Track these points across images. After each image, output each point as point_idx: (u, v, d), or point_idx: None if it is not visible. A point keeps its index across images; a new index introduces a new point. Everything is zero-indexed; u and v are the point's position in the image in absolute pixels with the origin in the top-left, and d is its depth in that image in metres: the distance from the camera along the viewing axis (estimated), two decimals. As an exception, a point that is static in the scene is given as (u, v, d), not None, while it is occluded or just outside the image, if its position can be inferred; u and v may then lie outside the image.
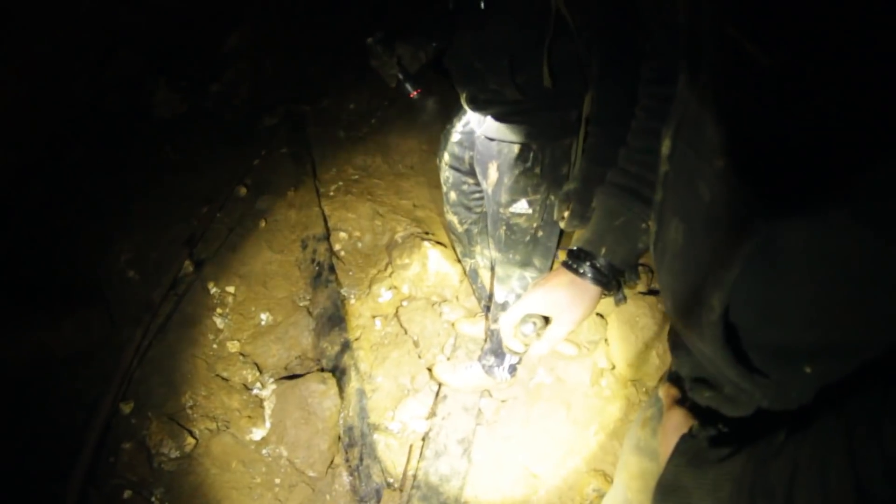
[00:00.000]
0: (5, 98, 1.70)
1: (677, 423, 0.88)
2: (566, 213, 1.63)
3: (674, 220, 0.83)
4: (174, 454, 2.18)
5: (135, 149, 2.16)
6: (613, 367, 2.50)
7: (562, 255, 1.15)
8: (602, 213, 1.10)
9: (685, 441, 0.82)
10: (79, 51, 1.87)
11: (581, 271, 1.07)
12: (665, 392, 0.96)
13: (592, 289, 1.07)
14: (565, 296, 1.07)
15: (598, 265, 1.07)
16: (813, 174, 0.56)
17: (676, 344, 0.99)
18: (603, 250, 1.08)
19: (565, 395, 2.52)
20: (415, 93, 1.84)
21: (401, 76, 1.83)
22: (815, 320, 0.64)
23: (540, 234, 2.05)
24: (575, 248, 1.10)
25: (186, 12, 2.32)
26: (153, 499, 2.13)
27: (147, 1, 2.09)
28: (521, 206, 1.96)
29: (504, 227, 2.04)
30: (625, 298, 1.18)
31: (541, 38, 1.60)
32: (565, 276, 1.08)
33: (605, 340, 2.55)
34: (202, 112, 2.34)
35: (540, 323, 1.06)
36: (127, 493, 2.11)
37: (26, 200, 1.97)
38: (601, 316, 2.63)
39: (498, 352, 2.39)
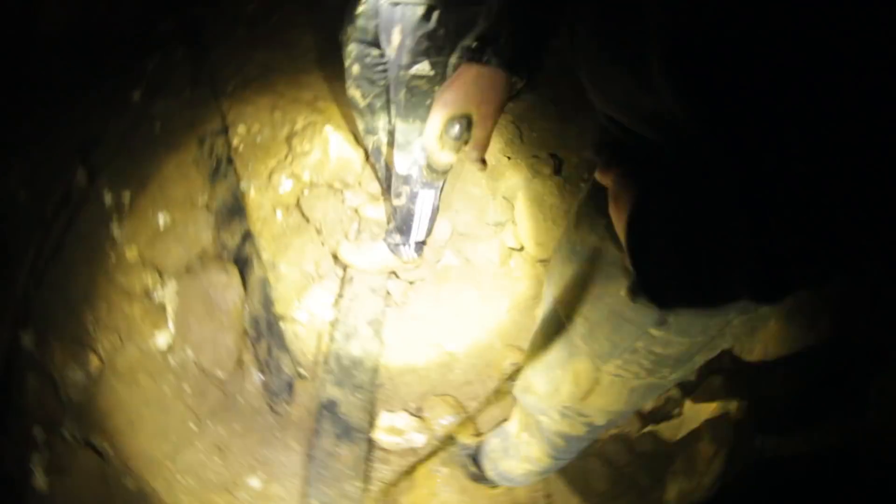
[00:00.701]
0: None
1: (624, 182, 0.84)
2: None
3: None
4: (80, 379, 2.08)
5: (23, 61, 1.87)
6: (522, 248, 2.53)
7: None
8: None
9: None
10: None
11: (485, 59, 1.03)
12: (604, 174, 0.89)
13: (501, 74, 1.04)
14: (477, 88, 1.04)
15: (500, 49, 1.04)
16: None
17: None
18: (503, 34, 1.05)
19: (474, 276, 2.55)
20: None
21: None
22: None
23: None
24: (473, 42, 1.07)
25: None
26: (64, 432, 2.01)
27: None
28: (423, 67, 1.95)
29: (405, 91, 2.02)
30: (534, 83, 1.11)
31: None
32: (470, 70, 1.05)
33: (513, 221, 2.57)
34: (93, 19, 2.06)
35: (465, 122, 1.03)
36: (37, 431, 1.98)
37: None
38: (507, 199, 2.63)
39: (403, 228, 2.36)
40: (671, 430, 1.94)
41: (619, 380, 1.11)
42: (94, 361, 2.10)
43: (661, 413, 1.98)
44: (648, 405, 2.02)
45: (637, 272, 0.77)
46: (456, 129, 1.03)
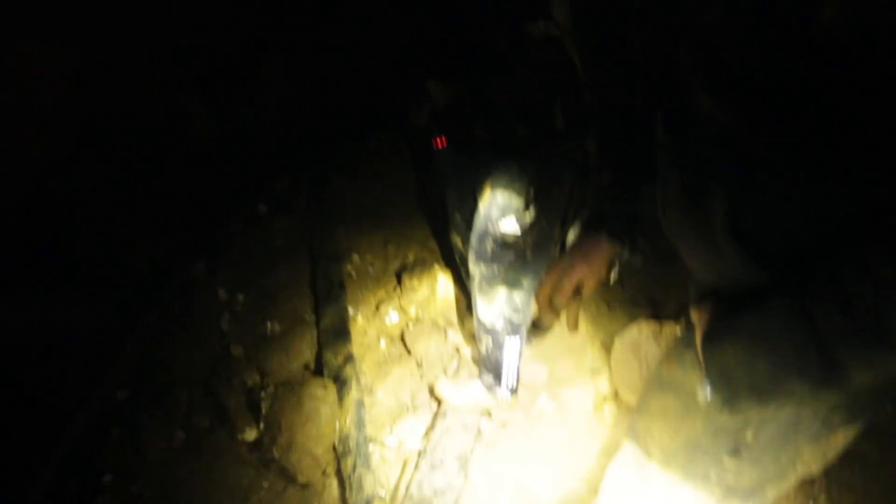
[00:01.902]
0: (55, 94, 1.85)
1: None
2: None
3: (671, 170, 0.96)
4: (162, 446, 2.16)
5: (164, 157, 2.30)
6: (616, 394, 2.47)
7: None
8: None
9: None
10: (122, 62, 2.03)
11: (599, 231, 1.18)
12: (696, 312, 1.01)
13: (605, 242, 1.17)
14: (591, 256, 1.18)
15: (606, 221, 1.18)
16: None
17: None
18: (607, 210, 1.19)
19: (567, 421, 2.48)
20: (439, 143, 1.97)
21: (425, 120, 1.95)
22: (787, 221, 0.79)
23: (528, 254, 2.09)
24: (590, 216, 1.23)
25: (226, 37, 2.51)
26: (133, 487, 2.10)
27: (190, 22, 2.28)
28: (510, 224, 2.03)
29: (491, 241, 2.09)
30: (637, 258, 1.23)
31: (557, 85, 1.72)
32: (587, 240, 1.20)
33: (609, 368, 2.53)
34: (231, 133, 2.51)
35: (578, 287, 1.16)
36: (107, 478, 2.09)
37: (59, 191, 2.09)
38: (605, 345, 2.62)
39: (494, 371, 2.38)
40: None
41: None
42: (179, 435, 2.18)
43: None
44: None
45: (708, 375, 0.90)
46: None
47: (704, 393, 0.94)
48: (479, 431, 2.50)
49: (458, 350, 2.78)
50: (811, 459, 1.01)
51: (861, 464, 2.00)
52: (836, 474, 1.95)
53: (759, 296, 0.82)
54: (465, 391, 2.52)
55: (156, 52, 2.23)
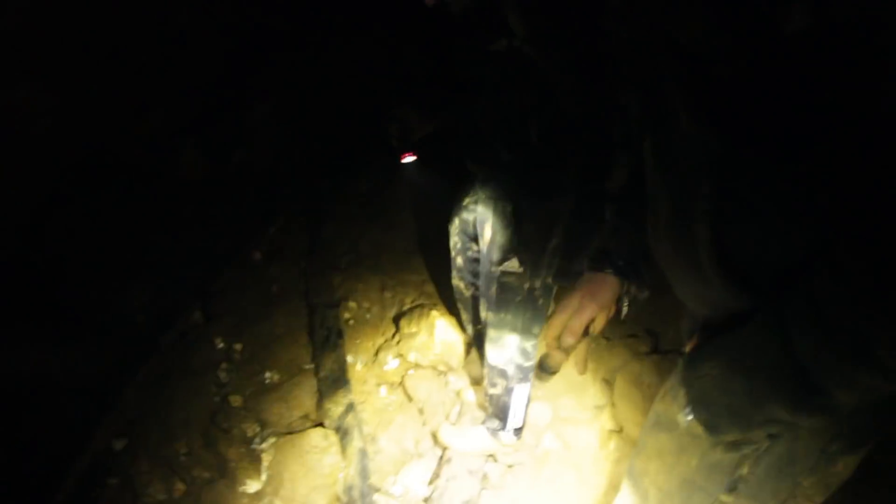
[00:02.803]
0: (42, 131, 1.86)
1: None
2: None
3: (660, 196, 0.97)
4: (161, 497, 2.12)
5: (158, 202, 2.32)
6: (621, 430, 2.44)
7: None
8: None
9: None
10: (115, 102, 2.06)
11: (605, 269, 1.17)
12: (688, 344, 1.03)
13: (612, 279, 1.17)
14: (589, 288, 1.17)
15: (612, 258, 1.18)
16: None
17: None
18: (612, 246, 1.19)
19: (573, 459, 2.44)
20: (405, 157, 1.99)
21: (395, 142, 1.98)
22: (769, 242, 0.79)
23: (537, 296, 2.09)
24: (595, 253, 1.22)
25: (218, 80, 2.55)
26: None
27: (183, 64, 2.32)
28: (513, 263, 2.01)
29: (496, 286, 2.08)
30: (645, 292, 1.25)
31: (535, 102, 1.75)
32: (593, 278, 1.19)
33: (612, 403, 2.51)
34: (224, 177, 2.53)
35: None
36: None
37: (53, 234, 2.10)
38: (607, 381, 2.61)
39: (500, 416, 2.37)
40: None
41: None
42: (179, 487, 2.14)
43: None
44: None
45: (688, 398, 0.92)
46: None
47: (685, 417, 0.94)
48: (484, 476, 2.46)
49: (458, 395, 2.75)
50: (813, 492, 0.99)
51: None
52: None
53: (740, 319, 0.82)
54: (469, 436, 2.49)
55: (149, 95, 2.27)
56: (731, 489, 0.98)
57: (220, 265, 2.52)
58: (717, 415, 0.88)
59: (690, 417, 0.93)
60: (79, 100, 1.88)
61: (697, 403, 0.89)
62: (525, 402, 2.30)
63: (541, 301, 2.08)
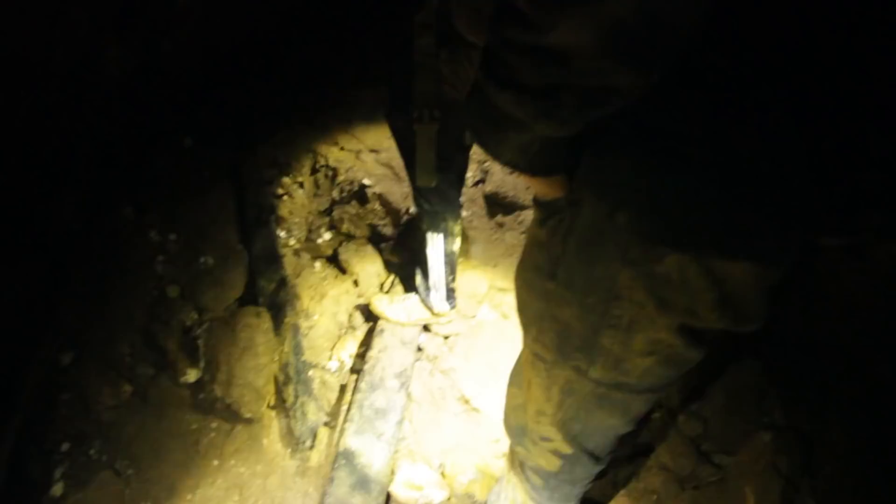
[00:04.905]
0: None
1: None
2: None
3: None
4: (111, 402, 2.15)
5: (83, 101, 2.11)
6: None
7: None
8: None
9: None
10: (28, 8, 1.78)
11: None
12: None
13: None
14: None
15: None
16: None
17: None
18: None
19: (510, 331, 2.46)
20: None
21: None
22: None
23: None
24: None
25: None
26: (91, 451, 2.10)
27: None
28: None
29: None
30: None
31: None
32: None
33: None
34: (153, 69, 2.31)
35: None
36: (64, 446, 2.08)
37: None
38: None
39: (424, 274, 2.31)
40: (712, 495, 1.75)
41: (554, 376, 1.11)
42: (126, 388, 2.17)
43: (699, 475, 1.79)
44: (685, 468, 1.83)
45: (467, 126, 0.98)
46: None
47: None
48: (419, 347, 2.45)
49: (392, 264, 2.69)
50: (641, 296, 0.89)
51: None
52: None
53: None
54: (401, 306, 2.46)
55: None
56: (552, 275, 1.00)
57: (150, 156, 2.35)
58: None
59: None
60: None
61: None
62: (442, 257, 2.21)
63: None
